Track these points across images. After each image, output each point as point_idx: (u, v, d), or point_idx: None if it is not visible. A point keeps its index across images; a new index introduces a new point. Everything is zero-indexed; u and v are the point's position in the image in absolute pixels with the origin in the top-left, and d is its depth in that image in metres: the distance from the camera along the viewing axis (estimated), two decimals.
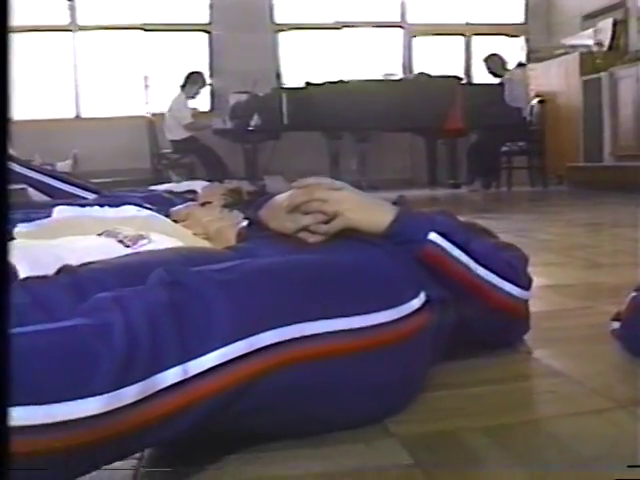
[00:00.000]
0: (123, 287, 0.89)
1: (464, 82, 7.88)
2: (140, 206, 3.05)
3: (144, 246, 1.65)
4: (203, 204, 3.28)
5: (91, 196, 4.44)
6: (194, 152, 7.35)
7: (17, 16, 7.54)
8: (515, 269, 1.29)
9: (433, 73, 7.62)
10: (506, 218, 4.37)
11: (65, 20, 8.06)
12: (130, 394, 0.74)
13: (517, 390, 1.20)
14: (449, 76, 7.50)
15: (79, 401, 0.70)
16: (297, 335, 0.89)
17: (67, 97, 8.16)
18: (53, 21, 8.03)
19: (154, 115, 7.53)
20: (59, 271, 1.07)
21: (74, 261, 1.52)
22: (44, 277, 1.05)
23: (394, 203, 1.28)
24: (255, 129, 7.06)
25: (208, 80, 7.73)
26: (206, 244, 2.09)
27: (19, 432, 0.66)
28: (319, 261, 1.04)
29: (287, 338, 0.88)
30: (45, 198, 4.48)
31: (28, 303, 0.95)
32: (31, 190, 4.56)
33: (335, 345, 0.93)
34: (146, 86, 8.13)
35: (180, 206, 3.50)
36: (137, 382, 0.75)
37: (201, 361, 0.80)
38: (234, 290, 0.88)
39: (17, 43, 7.78)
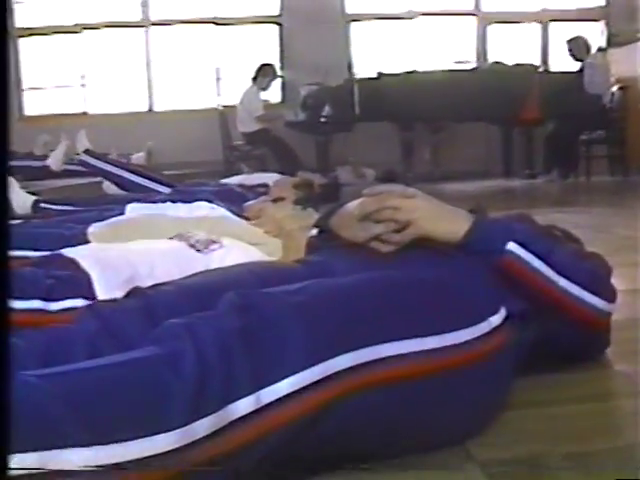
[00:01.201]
0: (194, 310, 0.87)
1: (541, 70, 7.66)
2: (212, 202, 3.06)
3: (215, 251, 1.64)
4: (275, 200, 3.29)
5: (165, 190, 4.52)
6: (266, 144, 7.36)
7: (91, 13, 7.73)
8: (599, 280, 1.22)
9: (508, 61, 7.43)
10: (585, 212, 4.22)
11: (137, 16, 8.18)
12: (203, 427, 0.72)
13: (602, 411, 1.13)
14: (525, 64, 7.30)
15: (151, 438, 0.68)
16: (372, 358, 0.85)
17: (140, 91, 8.29)
18: (126, 17, 8.15)
19: (226, 107, 7.57)
20: (129, 294, 1.06)
21: (146, 266, 1.53)
22: (114, 301, 1.03)
23: (471, 210, 1.22)
24: (327, 120, 7.03)
25: (279, 72, 7.73)
26: (277, 243, 2.07)
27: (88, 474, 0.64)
28: (393, 278, 1.00)
29: (362, 361, 0.84)
30: (119, 191, 4.58)
31: (99, 330, 0.94)
32: (106, 183, 4.68)
33: (411, 367, 0.89)
34: (218, 79, 8.19)
35: (253, 201, 3.52)
36: (210, 414, 0.73)
37: (274, 389, 0.78)
38: (307, 313, 0.85)
39: (91, 40, 7.96)
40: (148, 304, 0.99)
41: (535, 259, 1.15)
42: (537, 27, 8.74)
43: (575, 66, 7.19)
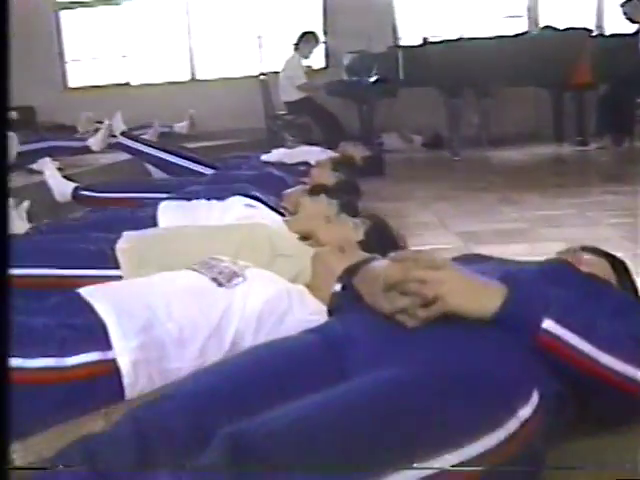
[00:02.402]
0: (191, 434, 0.79)
1: (594, 34, 7.33)
2: (248, 196, 2.99)
3: (238, 285, 1.58)
4: (312, 191, 3.22)
5: (206, 170, 4.50)
6: (309, 113, 7.24)
7: None
8: None
9: (561, 25, 7.13)
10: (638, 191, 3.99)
11: None
12: None
13: None
14: (577, 28, 6.99)
15: None
16: None
17: (182, 60, 8.23)
18: None
19: (268, 75, 7.46)
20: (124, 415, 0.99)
21: (163, 309, 1.48)
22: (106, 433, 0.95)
23: (502, 280, 1.13)
24: (373, 84, 6.86)
25: (322, 39, 7.56)
26: (308, 256, 1.98)
27: None
28: (403, 390, 0.91)
29: None
30: (161, 174, 4.59)
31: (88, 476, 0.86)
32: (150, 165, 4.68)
33: None
34: (259, 46, 8.06)
35: (291, 190, 3.45)
36: None
37: None
38: (311, 453, 0.76)
39: (132, 10, 7.90)
40: (140, 430, 0.92)
41: (574, 336, 1.06)
42: None
43: (631, 28, 6.88)
